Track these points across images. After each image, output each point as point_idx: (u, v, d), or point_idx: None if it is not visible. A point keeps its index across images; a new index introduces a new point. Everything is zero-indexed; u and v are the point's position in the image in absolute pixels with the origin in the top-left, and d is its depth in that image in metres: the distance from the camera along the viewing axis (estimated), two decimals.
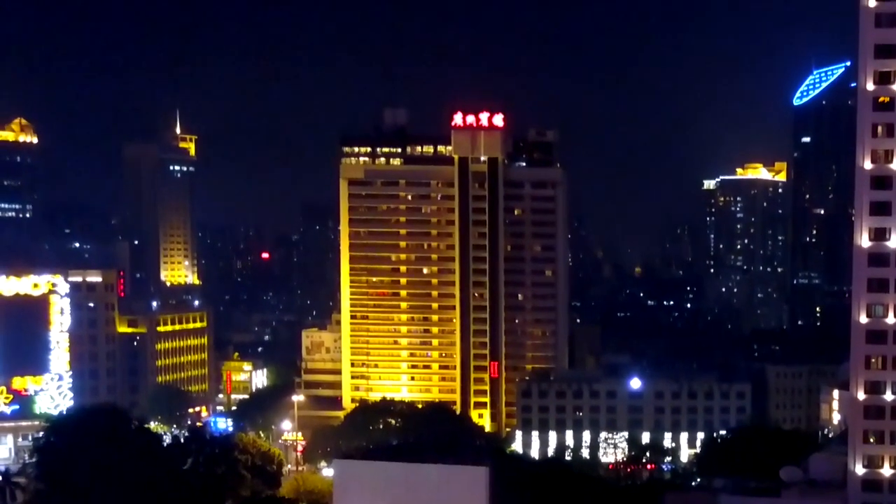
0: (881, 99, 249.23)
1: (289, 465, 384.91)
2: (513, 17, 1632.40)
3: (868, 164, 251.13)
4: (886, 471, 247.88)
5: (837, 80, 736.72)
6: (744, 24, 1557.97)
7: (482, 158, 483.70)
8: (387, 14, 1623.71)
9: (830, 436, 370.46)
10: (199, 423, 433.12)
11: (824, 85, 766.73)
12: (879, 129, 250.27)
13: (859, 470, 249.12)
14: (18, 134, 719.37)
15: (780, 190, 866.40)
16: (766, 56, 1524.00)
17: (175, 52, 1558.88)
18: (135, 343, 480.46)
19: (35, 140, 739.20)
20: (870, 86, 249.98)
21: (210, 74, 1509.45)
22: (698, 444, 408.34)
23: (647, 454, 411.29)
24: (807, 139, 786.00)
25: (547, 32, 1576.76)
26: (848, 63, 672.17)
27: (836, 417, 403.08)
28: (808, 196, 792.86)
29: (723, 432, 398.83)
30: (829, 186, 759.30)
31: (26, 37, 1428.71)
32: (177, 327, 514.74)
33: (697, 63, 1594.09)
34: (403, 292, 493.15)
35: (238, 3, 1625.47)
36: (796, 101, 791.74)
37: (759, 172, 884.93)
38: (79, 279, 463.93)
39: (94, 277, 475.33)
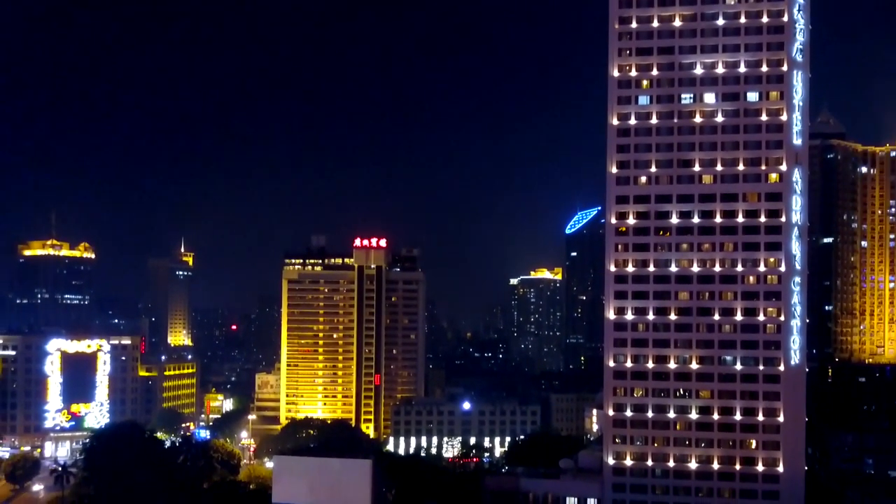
0: (620, 228, 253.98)
1: (245, 460, 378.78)
2: (389, 168, 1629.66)
3: (612, 268, 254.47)
4: (628, 461, 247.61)
5: (593, 217, 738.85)
6: (538, 182, 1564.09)
7: (372, 266, 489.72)
8: (310, 165, 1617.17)
9: (591, 439, 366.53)
10: (188, 433, 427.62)
11: (585, 220, 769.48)
12: (619, 246, 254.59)
13: (610, 461, 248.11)
14: (83, 252, 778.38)
15: (557, 285, 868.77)
16: (549, 202, 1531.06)
17: (182, 195, 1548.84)
18: (149, 382, 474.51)
19: (93, 255, 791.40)
20: (613, 220, 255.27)
21: (203, 212, 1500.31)
22: (507, 444, 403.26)
23: (474, 451, 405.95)
24: (574, 253, 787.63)
25: (415, 180, 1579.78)
26: (600, 207, 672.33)
27: (595, 427, 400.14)
28: (575, 288, 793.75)
29: (522, 437, 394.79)
30: (588, 282, 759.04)
31: (84, 188, 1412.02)
32: (176, 372, 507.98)
33: (507, 208, 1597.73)
34: (321, 350, 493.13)
35: (221, 167, 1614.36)
36: (568, 230, 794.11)
37: (544, 273, 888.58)
38: (116, 342, 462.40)
39: (126, 341, 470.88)
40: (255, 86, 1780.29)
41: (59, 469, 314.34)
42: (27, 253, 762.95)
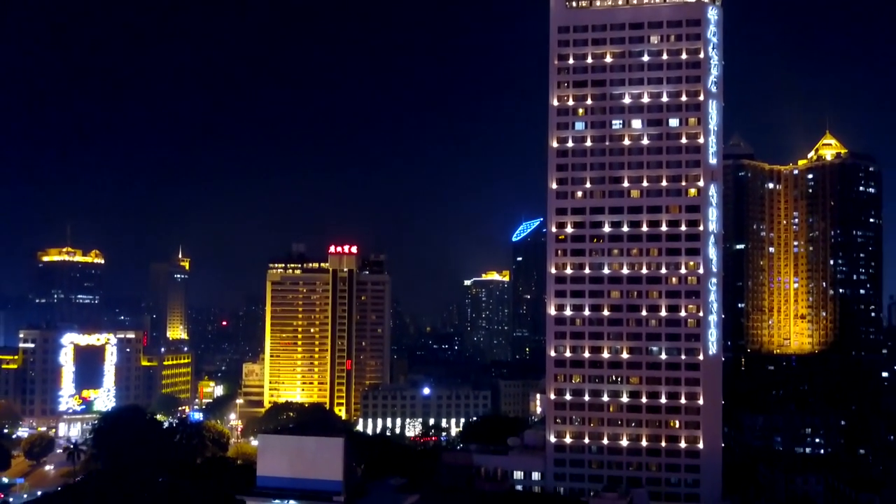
0: (559, 237, 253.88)
1: (233, 439, 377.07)
2: (360, 185, 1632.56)
3: (553, 270, 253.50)
4: (567, 439, 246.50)
5: (536, 227, 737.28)
6: (488, 197, 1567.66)
7: (345, 269, 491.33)
8: (291, 182, 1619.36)
9: (535, 420, 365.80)
10: (184, 416, 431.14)
11: (529, 229, 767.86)
12: (558, 251, 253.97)
13: (552, 439, 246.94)
14: (94, 258, 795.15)
15: (505, 285, 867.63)
16: (498, 214, 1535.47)
17: (180, 209, 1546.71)
18: (150, 371, 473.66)
19: (102, 261, 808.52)
20: (553, 229, 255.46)
21: (198, 223, 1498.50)
22: (461, 425, 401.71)
23: (433, 431, 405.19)
24: (520, 258, 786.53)
25: (382, 195, 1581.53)
26: (542, 218, 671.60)
27: (538, 409, 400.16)
28: (520, 288, 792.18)
29: (475, 418, 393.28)
30: (532, 283, 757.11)
31: (94, 202, 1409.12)
32: (174, 362, 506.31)
33: (462, 218, 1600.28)
34: (299, 342, 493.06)
35: (213, 184, 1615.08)
36: (514, 238, 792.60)
37: (494, 275, 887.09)
38: (122, 336, 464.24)
39: (130, 335, 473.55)
40: (236, 116, 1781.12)
41: (72, 447, 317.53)
42: (45, 259, 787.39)
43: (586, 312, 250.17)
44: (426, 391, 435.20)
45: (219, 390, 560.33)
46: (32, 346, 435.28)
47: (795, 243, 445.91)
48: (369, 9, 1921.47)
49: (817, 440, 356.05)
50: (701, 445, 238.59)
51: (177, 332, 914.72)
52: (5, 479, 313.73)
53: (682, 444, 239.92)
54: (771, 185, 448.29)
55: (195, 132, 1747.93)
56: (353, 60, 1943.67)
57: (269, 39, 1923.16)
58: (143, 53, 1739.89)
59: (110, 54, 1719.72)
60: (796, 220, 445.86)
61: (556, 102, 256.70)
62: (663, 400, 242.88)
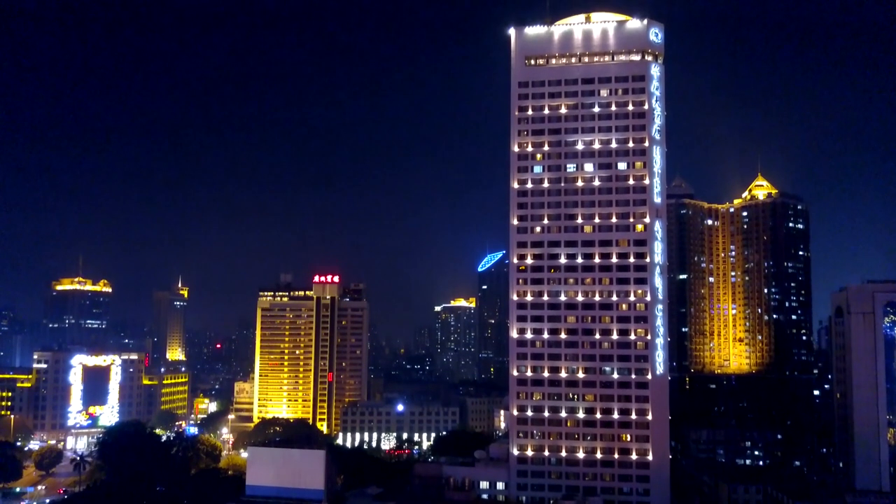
0: (520, 267, 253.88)
1: (225, 451, 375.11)
2: (342, 220, 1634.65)
3: (515, 297, 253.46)
4: (529, 452, 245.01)
5: (499, 259, 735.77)
6: (456, 231, 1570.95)
7: (328, 297, 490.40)
8: (279, 218, 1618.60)
9: (500, 434, 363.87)
10: (181, 430, 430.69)
11: (493, 261, 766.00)
12: (519, 280, 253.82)
13: (515, 452, 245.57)
14: (102, 287, 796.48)
15: (472, 311, 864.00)
16: (466, 246, 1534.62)
17: (180, 242, 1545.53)
18: (151, 389, 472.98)
19: (110, 289, 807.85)
20: (515, 260, 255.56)
21: (196, 256, 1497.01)
22: (432, 438, 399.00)
23: (406, 444, 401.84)
24: (485, 286, 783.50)
25: (361, 230, 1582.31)
26: (505, 251, 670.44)
27: (503, 425, 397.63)
28: (485, 314, 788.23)
29: (444, 433, 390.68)
30: (495, 309, 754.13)
31: (103, 236, 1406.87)
32: (172, 381, 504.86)
33: (433, 250, 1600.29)
34: (286, 363, 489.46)
35: (210, 220, 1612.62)
36: (480, 268, 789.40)
37: (461, 302, 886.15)
38: (126, 357, 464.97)
39: (133, 356, 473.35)
40: (230, 159, 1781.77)
41: (78, 458, 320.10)
42: (59, 288, 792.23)
43: (545, 336, 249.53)
44: (400, 408, 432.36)
45: (213, 407, 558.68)
46: (45, 366, 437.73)
47: (733, 274, 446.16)
48: (356, 62, 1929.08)
49: (756, 453, 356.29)
50: (650, 457, 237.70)
51: (175, 353, 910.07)
52: (17, 488, 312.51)
53: (634, 456, 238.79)
54: (710, 222, 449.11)
55: (192, 173, 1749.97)
56: (340, 112, 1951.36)
57: (259, 86, 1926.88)
58: (143, 102, 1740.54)
59: (110, 103, 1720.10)
60: (733, 252, 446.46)
61: (516, 148, 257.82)
62: (616, 416, 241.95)
